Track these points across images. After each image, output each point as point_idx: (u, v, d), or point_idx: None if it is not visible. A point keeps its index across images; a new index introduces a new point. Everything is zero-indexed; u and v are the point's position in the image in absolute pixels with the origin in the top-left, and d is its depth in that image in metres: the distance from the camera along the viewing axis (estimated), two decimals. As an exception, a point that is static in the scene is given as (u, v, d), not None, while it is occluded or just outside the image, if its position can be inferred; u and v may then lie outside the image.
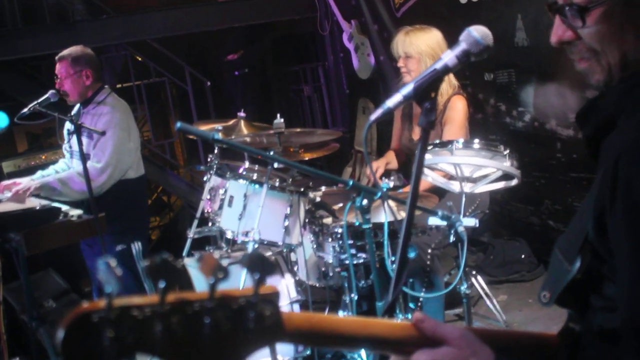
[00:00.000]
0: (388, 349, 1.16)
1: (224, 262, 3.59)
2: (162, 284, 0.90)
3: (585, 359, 1.20)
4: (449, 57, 1.49)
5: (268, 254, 3.69)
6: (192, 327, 0.90)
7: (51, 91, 3.93)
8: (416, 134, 4.14)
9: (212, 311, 0.91)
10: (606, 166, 1.17)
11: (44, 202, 3.68)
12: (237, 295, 0.94)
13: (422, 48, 3.81)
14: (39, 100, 3.85)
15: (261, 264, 0.97)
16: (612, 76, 1.25)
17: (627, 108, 1.21)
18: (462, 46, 1.50)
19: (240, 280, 3.17)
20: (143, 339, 0.87)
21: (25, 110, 3.84)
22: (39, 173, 4.28)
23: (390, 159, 4.33)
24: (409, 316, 3.61)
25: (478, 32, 1.50)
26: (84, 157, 3.66)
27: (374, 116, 1.55)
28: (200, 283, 3.43)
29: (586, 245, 1.22)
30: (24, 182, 3.96)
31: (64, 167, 4.38)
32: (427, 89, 1.46)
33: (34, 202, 3.63)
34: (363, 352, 3.51)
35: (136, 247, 4.21)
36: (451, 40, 4.00)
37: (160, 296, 0.90)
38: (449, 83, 3.86)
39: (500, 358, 1.14)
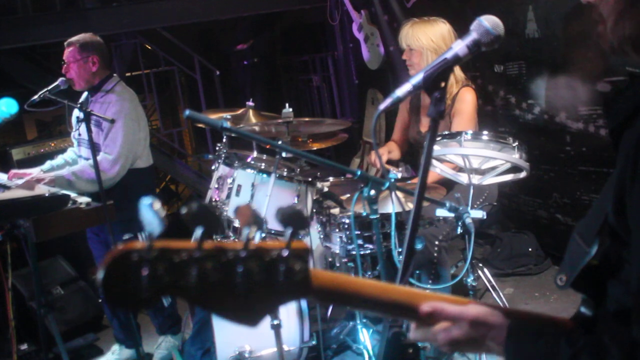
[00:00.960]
0: (408, 316, 1.20)
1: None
2: (199, 230, 0.93)
3: (600, 340, 1.20)
4: (460, 46, 1.49)
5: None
6: (225, 275, 0.93)
7: (61, 79, 3.93)
8: (424, 126, 4.12)
9: (245, 261, 0.94)
10: (628, 148, 1.21)
11: (53, 189, 3.69)
12: (270, 248, 0.97)
13: (423, 41, 3.79)
14: (49, 88, 3.86)
15: (295, 219, 1.00)
16: (612, 47, 1.32)
17: None
18: (472, 36, 1.49)
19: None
20: (178, 281, 0.91)
21: (35, 97, 3.84)
22: (48, 163, 4.29)
23: (392, 148, 4.32)
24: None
25: (489, 22, 1.49)
26: (94, 147, 3.66)
27: (382, 105, 1.54)
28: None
29: (605, 228, 1.26)
30: (34, 172, 3.97)
31: (73, 157, 4.39)
32: (437, 79, 1.45)
33: (43, 189, 3.64)
34: (368, 343, 3.52)
35: (143, 236, 4.22)
36: (461, 31, 3.99)
37: (198, 242, 0.92)
38: (455, 76, 3.83)
39: (512, 336, 1.19)
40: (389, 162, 4.27)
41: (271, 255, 0.97)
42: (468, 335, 1.19)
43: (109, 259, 0.88)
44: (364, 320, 3.65)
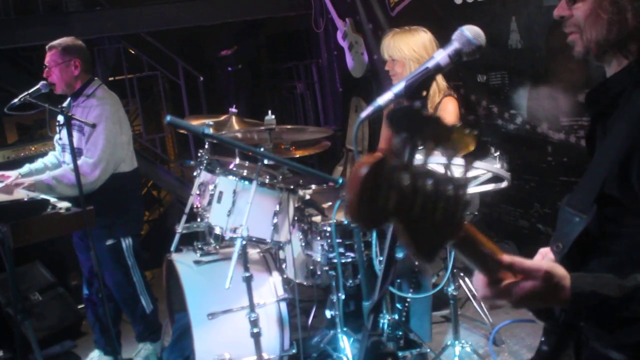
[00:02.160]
0: (492, 267, 1.26)
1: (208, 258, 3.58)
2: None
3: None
4: (441, 55, 1.49)
5: (256, 250, 3.69)
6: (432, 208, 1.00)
7: (42, 82, 3.90)
8: (407, 134, 4.12)
9: (446, 198, 1.01)
10: (634, 119, 1.39)
11: (32, 193, 3.65)
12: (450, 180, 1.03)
13: (405, 52, 3.79)
14: (30, 91, 3.83)
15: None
16: (588, 50, 1.53)
17: (631, 83, 1.47)
18: (454, 45, 1.50)
19: (227, 277, 3.16)
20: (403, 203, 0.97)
21: (16, 100, 3.81)
22: (27, 167, 4.24)
23: None
24: (396, 316, 3.61)
25: (470, 32, 1.49)
26: (74, 151, 3.63)
27: (364, 114, 1.54)
28: (188, 279, 3.42)
29: (603, 197, 1.40)
30: (13, 175, 3.92)
31: (53, 161, 4.34)
32: (419, 87, 1.45)
33: (22, 194, 3.60)
34: (349, 351, 3.51)
35: (126, 241, 4.18)
36: (445, 40, 4.00)
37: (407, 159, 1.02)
38: (438, 85, 3.84)
39: (577, 297, 1.29)
40: None
41: (455, 187, 1.02)
42: (541, 287, 1.26)
43: (372, 161, 0.94)
44: (345, 329, 3.64)
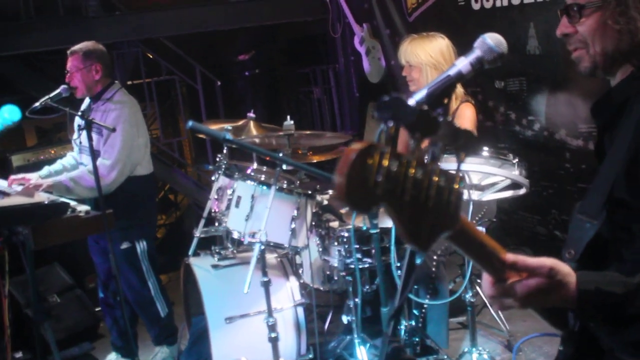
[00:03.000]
0: (495, 266, 1.27)
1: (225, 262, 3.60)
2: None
3: None
4: (463, 63, 1.49)
5: (273, 255, 3.70)
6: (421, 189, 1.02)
7: (63, 86, 3.94)
8: (423, 142, 4.12)
9: (437, 187, 1.03)
10: (636, 123, 1.42)
11: (53, 196, 3.68)
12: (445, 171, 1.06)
13: (422, 58, 3.79)
14: (51, 95, 3.86)
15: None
16: (596, 64, 1.56)
17: (636, 90, 1.50)
18: (476, 53, 1.50)
19: (245, 282, 3.17)
20: (394, 189, 1.00)
21: (37, 104, 3.85)
22: (46, 168, 4.29)
23: None
24: (413, 323, 3.61)
25: (492, 40, 1.49)
26: (94, 154, 3.66)
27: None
28: (205, 283, 3.43)
29: (611, 200, 1.42)
30: (33, 177, 3.97)
31: (72, 162, 4.39)
32: (440, 95, 1.46)
33: (43, 197, 3.63)
34: (365, 357, 3.50)
35: (141, 245, 4.21)
36: (462, 46, 3.99)
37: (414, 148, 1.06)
38: (455, 91, 3.83)
39: (582, 294, 1.28)
40: None
41: (448, 178, 1.04)
42: (545, 284, 1.26)
43: (350, 158, 0.96)
44: (362, 335, 3.64)
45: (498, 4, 4.85)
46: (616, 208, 1.42)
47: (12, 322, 4.10)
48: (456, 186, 1.06)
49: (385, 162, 0.98)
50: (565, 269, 1.29)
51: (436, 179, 1.03)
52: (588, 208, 1.49)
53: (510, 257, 1.27)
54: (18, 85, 6.74)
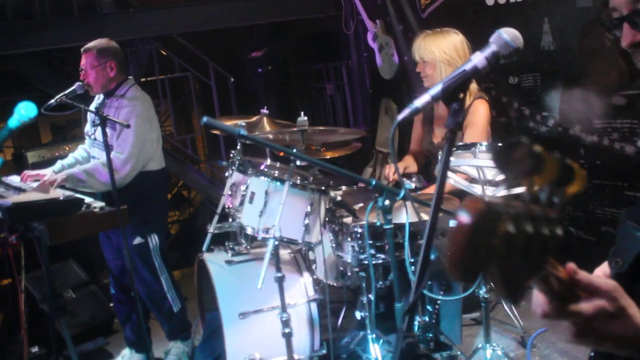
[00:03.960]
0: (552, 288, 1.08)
1: (239, 258, 3.62)
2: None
3: None
4: (479, 58, 1.49)
5: (287, 251, 3.71)
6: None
7: (78, 83, 3.97)
8: (436, 137, 4.13)
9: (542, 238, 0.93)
10: None
11: (68, 192, 3.71)
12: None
13: (436, 53, 3.79)
14: (66, 92, 3.90)
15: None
16: None
17: None
18: (491, 48, 1.49)
19: (259, 279, 3.18)
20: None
21: (52, 101, 3.88)
22: (59, 163, 4.33)
23: (409, 163, 4.33)
24: (426, 318, 3.61)
25: (508, 35, 1.49)
26: (108, 149, 3.69)
27: (401, 116, 1.55)
28: (219, 279, 3.45)
29: None
30: (47, 173, 4.00)
31: (83, 154, 4.43)
32: (456, 90, 1.46)
33: (58, 193, 3.67)
34: (379, 353, 3.50)
35: (153, 241, 4.23)
36: (476, 42, 3.97)
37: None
38: (469, 88, 3.83)
39: None
40: (404, 174, 4.28)
41: (552, 226, 0.94)
42: (610, 307, 1.07)
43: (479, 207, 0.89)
44: (375, 331, 3.64)
45: (512, -1, 4.83)
46: None
47: (27, 317, 4.15)
48: (558, 231, 0.94)
49: (502, 227, 0.89)
50: (627, 297, 1.10)
51: (542, 229, 0.93)
52: (639, 216, 1.32)
53: (572, 270, 1.08)
54: (34, 82, 6.80)
